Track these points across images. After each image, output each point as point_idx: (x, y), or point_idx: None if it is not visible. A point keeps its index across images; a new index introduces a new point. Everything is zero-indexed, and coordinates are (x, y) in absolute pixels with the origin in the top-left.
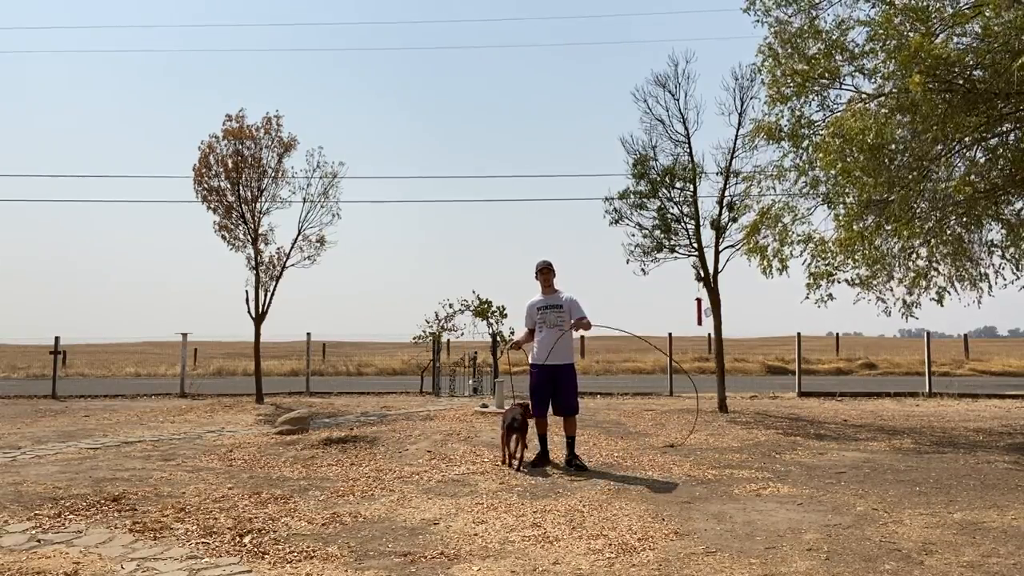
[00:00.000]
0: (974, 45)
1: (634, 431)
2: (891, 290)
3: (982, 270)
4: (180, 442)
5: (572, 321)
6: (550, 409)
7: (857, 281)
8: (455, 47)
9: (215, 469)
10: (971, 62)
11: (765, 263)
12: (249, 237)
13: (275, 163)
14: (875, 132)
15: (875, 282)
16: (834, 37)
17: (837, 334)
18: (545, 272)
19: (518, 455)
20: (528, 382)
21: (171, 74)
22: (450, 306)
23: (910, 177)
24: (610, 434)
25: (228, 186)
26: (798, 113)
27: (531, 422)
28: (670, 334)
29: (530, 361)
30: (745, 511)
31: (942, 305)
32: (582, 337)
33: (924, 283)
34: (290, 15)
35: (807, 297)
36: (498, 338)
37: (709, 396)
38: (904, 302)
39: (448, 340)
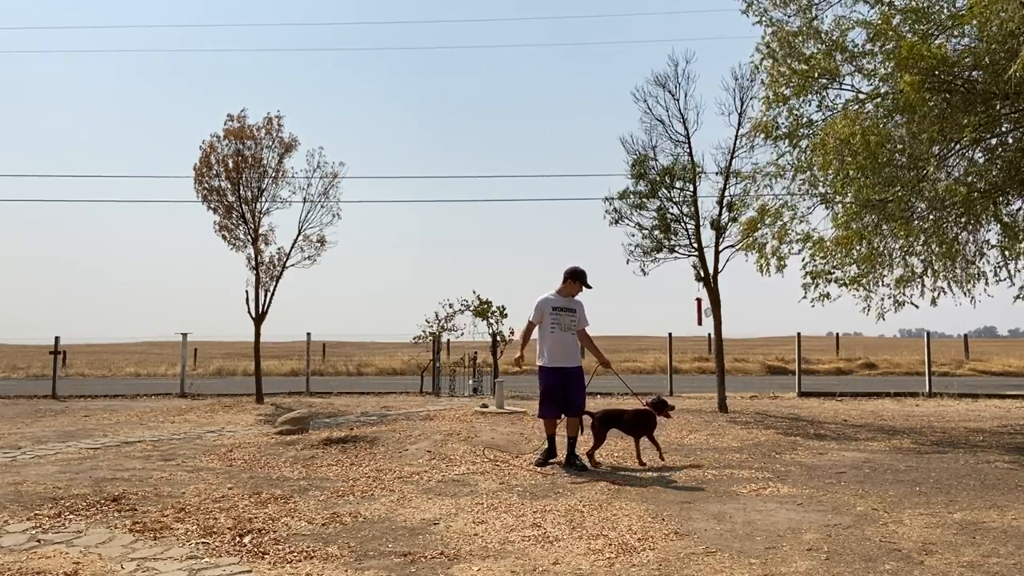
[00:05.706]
0: (972, 46)
1: None
2: (875, 291)
3: (976, 270)
4: (180, 442)
5: (598, 361)
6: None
7: (847, 281)
8: (455, 47)
9: (215, 469)
10: (970, 63)
11: (763, 261)
12: (249, 237)
13: (276, 163)
14: (862, 136)
15: (864, 280)
16: (834, 37)
17: (837, 334)
18: (578, 281)
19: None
20: (539, 384)
21: (172, 74)
22: (450, 306)
23: (907, 177)
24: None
25: (229, 186)
26: (797, 113)
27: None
28: (670, 334)
29: (540, 364)
30: (745, 511)
31: (964, 296)
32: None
33: (919, 283)
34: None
35: (804, 296)
36: (498, 338)
37: (709, 396)
38: (895, 300)
39: (448, 340)
